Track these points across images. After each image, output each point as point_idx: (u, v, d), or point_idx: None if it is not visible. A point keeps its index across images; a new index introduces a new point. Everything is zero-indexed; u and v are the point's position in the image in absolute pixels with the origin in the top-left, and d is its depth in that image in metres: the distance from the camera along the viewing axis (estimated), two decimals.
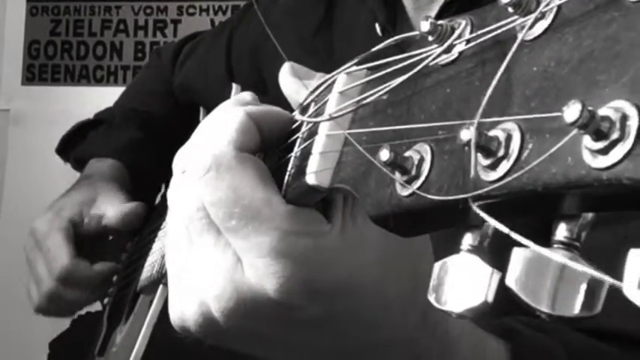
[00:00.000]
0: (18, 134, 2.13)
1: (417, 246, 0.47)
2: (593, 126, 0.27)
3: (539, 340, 0.56)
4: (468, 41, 0.35)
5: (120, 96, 1.41)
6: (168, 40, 2.09)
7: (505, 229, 0.29)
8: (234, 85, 0.96)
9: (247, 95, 0.51)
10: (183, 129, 1.28)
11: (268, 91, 1.11)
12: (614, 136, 0.26)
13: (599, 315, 0.30)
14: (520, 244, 0.30)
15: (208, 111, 1.32)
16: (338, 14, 1.03)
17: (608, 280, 0.28)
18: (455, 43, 0.35)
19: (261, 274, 0.44)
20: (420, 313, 0.48)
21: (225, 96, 0.98)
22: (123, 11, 2.15)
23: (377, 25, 0.93)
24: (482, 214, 0.30)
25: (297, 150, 0.46)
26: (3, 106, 2.15)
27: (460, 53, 0.36)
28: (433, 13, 0.88)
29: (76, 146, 1.28)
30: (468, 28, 0.36)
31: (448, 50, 0.36)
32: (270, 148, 0.48)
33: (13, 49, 2.16)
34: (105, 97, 1.36)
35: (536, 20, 0.32)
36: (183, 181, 0.47)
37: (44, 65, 2.16)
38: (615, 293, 0.27)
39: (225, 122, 0.47)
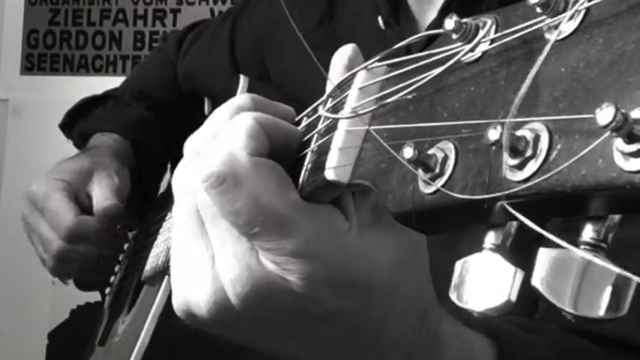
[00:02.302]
0: (17, 124, 2.12)
1: (421, 254, 0.48)
2: (627, 129, 0.27)
3: (526, 340, 0.56)
4: (493, 40, 0.35)
5: (128, 77, 1.40)
6: (167, 29, 2.08)
7: (541, 230, 0.29)
8: (241, 77, 0.96)
9: (247, 100, 0.50)
10: (188, 117, 1.28)
11: (272, 82, 1.10)
12: None
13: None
14: (546, 245, 0.31)
15: (213, 101, 1.31)
16: (340, 7, 1.03)
17: (635, 278, 0.28)
18: (481, 41, 0.35)
19: (284, 269, 0.44)
20: (420, 316, 0.49)
21: (231, 87, 0.98)
22: (122, 0, 2.14)
23: (379, 19, 0.93)
24: (518, 215, 0.30)
25: (314, 146, 0.46)
26: (2, 96, 2.14)
27: (484, 52, 0.36)
28: (436, 7, 0.87)
29: (80, 121, 1.26)
30: (494, 27, 0.36)
31: (472, 49, 0.36)
32: (278, 156, 0.47)
33: (11, 39, 2.15)
34: (104, 86, 1.35)
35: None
36: (191, 172, 0.48)
37: (43, 55, 2.15)
38: None
39: (233, 128, 0.46)
